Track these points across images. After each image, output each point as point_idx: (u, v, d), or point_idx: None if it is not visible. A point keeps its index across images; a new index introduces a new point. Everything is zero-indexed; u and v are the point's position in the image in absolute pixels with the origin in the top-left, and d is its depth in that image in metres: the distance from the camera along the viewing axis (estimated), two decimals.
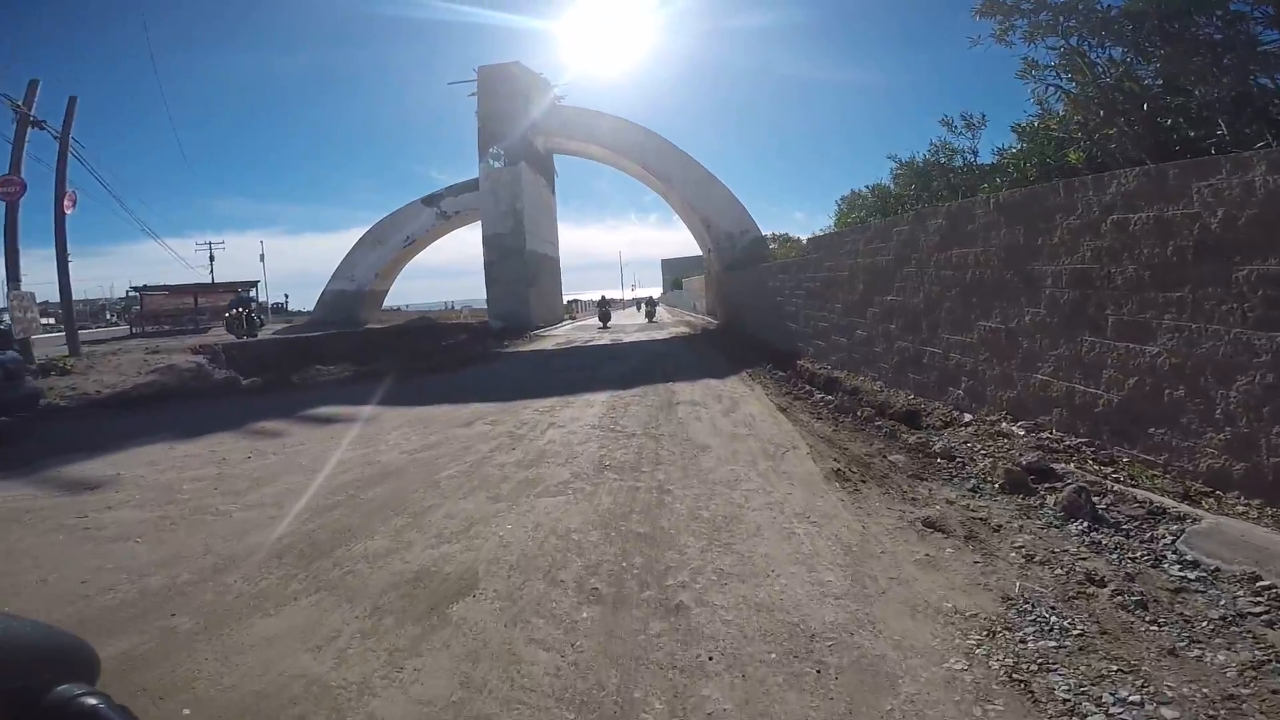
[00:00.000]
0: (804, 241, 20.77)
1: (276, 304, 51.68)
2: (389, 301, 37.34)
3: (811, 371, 9.59)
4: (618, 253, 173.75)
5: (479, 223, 25.61)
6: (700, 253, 30.98)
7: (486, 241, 24.83)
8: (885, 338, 7.65)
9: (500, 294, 24.44)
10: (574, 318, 35.00)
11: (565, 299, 63.31)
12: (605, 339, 17.40)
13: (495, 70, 25.97)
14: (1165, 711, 1.73)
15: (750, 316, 16.68)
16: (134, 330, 29.36)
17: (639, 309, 32.25)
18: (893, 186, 17.23)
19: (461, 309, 25.72)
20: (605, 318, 25.76)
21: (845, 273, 8.98)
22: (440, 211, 29.51)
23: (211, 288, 34.01)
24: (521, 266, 24.28)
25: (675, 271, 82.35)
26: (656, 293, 75.94)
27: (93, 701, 0.46)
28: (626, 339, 17.97)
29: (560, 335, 20.33)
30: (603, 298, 28.22)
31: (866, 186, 20.05)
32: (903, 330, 7.18)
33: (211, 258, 55.14)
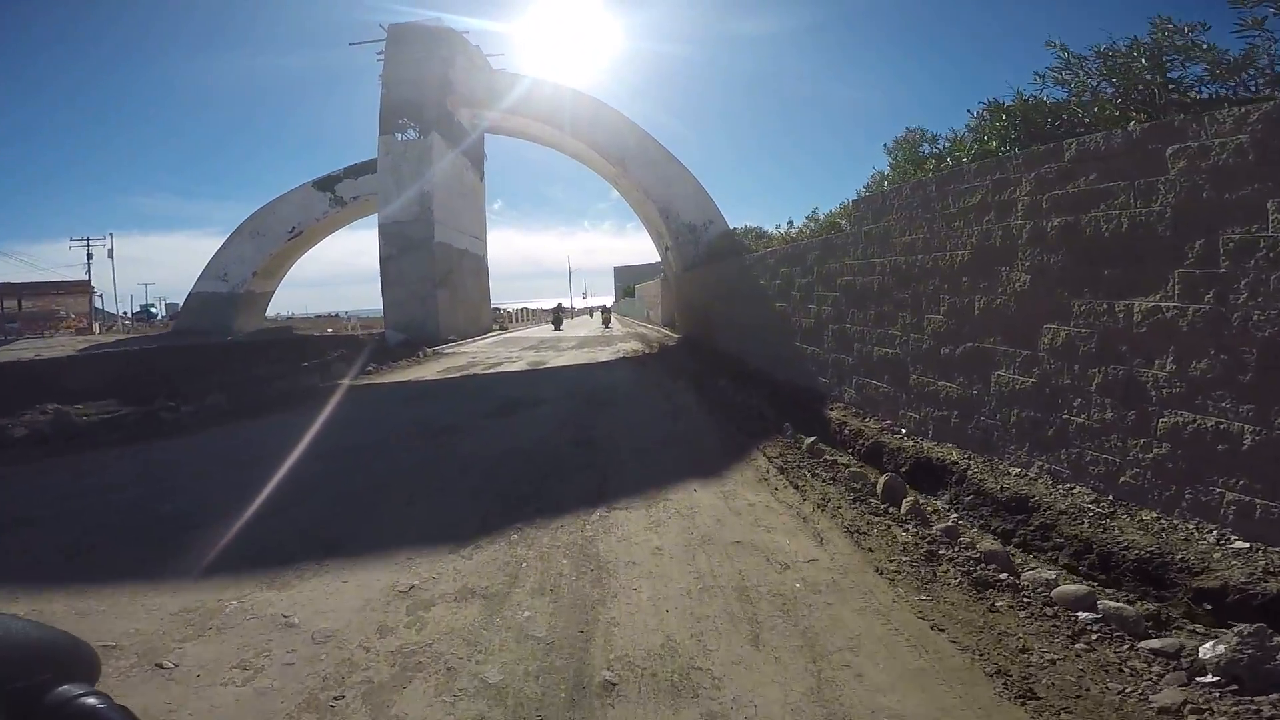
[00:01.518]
0: (777, 235, 16.29)
1: (144, 310, 44.38)
2: (290, 309, 31.12)
3: (875, 439, 4.97)
4: (566, 258, 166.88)
5: None
6: (656, 258, 26.62)
7: (383, 231, 19.42)
8: (1122, 395, 3.02)
9: (400, 298, 19.05)
10: (504, 328, 29.64)
11: (509, 307, 57.60)
12: (522, 364, 12.40)
13: (408, 29, 20.77)
14: None
15: (725, 329, 12.04)
16: None
17: (591, 316, 33.99)
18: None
19: (350, 319, 20.23)
20: (558, 323, 28.30)
21: (964, 253, 4.35)
22: (335, 197, 23.85)
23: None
24: (427, 263, 18.98)
25: (629, 279, 78.09)
26: (610, 301, 71.84)
27: (92, 701, 0.46)
28: (558, 360, 13.04)
29: (469, 354, 15.20)
30: (558, 305, 31.29)
31: (986, 101, 15.91)
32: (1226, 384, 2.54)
33: (89, 256, 47.05)
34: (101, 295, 40.83)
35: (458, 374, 10.74)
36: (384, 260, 19.28)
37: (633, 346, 15.78)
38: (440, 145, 20.41)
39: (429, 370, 11.54)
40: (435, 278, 18.98)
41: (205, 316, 24.88)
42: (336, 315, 43.55)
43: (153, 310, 52.54)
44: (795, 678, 1.93)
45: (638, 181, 20.52)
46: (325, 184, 23.95)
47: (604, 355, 13.89)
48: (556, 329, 26.82)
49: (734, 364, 10.30)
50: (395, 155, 19.89)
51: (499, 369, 11.37)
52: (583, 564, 2.85)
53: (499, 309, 37.21)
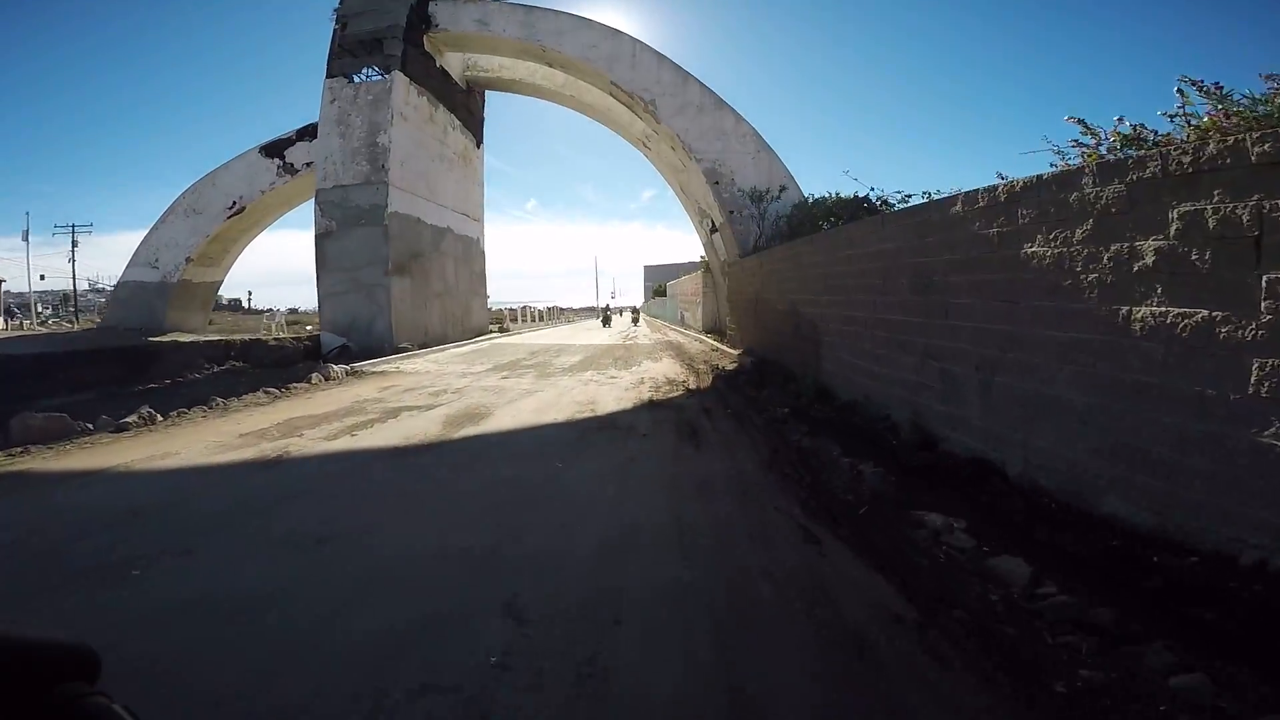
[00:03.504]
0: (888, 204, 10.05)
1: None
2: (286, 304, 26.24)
3: None
4: (593, 257, 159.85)
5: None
6: (687, 257, 20.94)
7: (320, 198, 14.07)
8: None
9: (337, 288, 13.64)
10: (504, 330, 23.97)
11: (536, 305, 51.81)
12: (449, 408, 6.71)
13: None
14: None
15: (856, 350, 6.04)
16: None
17: (620, 316, 33.55)
18: None
19: (276, 316, 15.19)
20: (607, 321, 30.92)
21: None
22: (285, 164, 18.63)
23: None
24: (378, 241, 13.51)
25: (659, 278, 72.52)
26: (638, 302, 66.61)
27: (94, 701, 0.45)
28: (521, 413, 7.32)
29: (407, 376, 9.63)
30: (606, 306, 36.36)
31: None
32: None
33: (74, 244, 43.48)
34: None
35: (247, 454, 4.84)
36: (320, 237, 13.89)
37: (666, 370, 9.91)
38: (407, 90, 14.96)
39: (246, 426, 5.78)
40: (389, 261, 13.48)
41: (134, 310, 19.99)
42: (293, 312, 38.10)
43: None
44: None
45: (676, 133, 14.72)
46: (273, 149, 18.77)
47: (618, 389, 8.07)
48: (605, 326, 29.95)
49: (872, 420, 4.44)
50: (344, 102, 14.52)
51: (369, 434, 5.54)
52: None
53: (512, 308, 31.74)
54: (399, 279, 13.86)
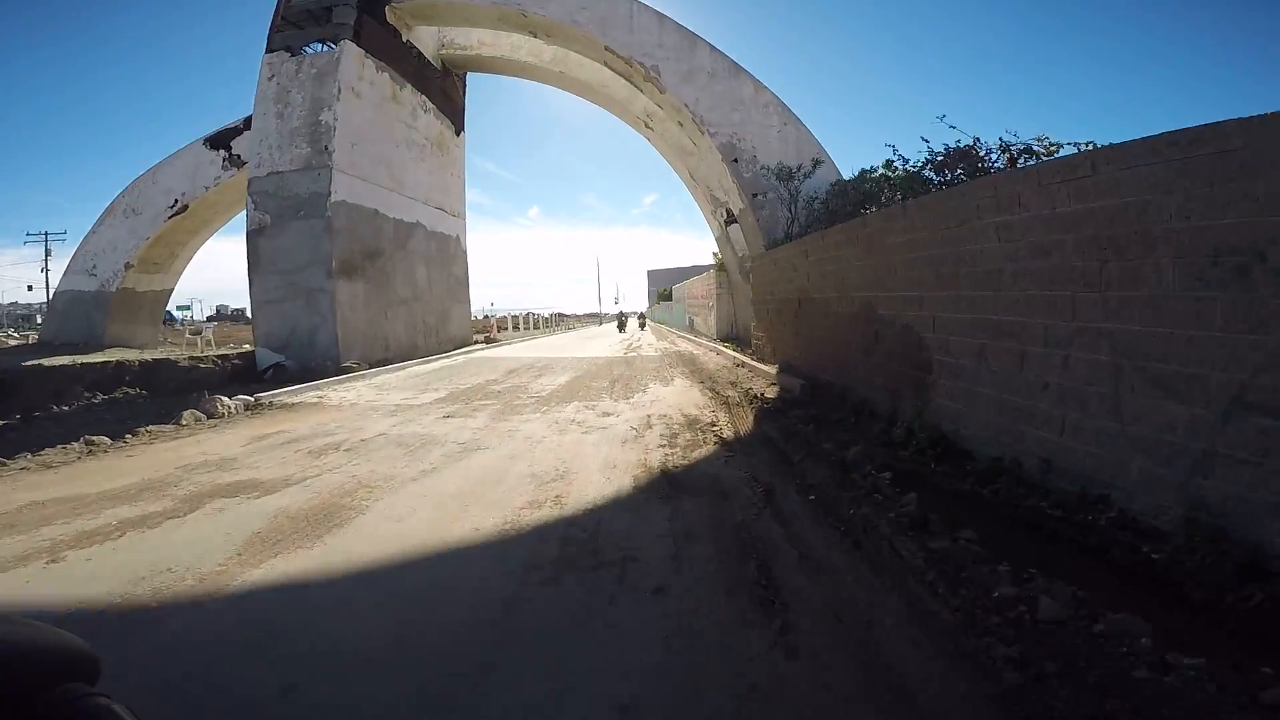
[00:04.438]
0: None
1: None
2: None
3: None
4: (596, 262, 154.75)
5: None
6: (692, 261, 18.50)
7: (253, 189, 11.61)
8: None
9: (272, 294, 11.18)
10: (490, 341, 21.28)
11: (545, 312, 48.64)
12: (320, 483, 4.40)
13: None
14: None
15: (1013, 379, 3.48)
16: None
17: (622, 328, 32.20)
18: None
19: (203, 331, 12.74)
20: (622, 326, 30.80)
21: None
22: (231, 156, 16.25)
23: None
24: (319, 236, 11.04)
25: (662, 283, 70.09)
26: (642, 307, 64.36)
27: (95, 702, 0.45)
28: (480, 458, 4.86)
29: (297, 431, 7.12)
30: (621, 311, 34.99)
31: None
32: None
33: (48, 253, 41.31)
34: None
35: None
36: (252, 234, 11.43)
37: (683, 404, 7.35)
38: (361, 64, 12.53)
39: None
40: (332, 259, 11.01)
41: (72, 322, 17.62)
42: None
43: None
44: None
45: (684, 103, 12.25)
46: (219, 140, 16.39)
47: (611, 441, 5.52)
48: (621, 330, 29.95)
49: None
50: (284, 78, 12.09)
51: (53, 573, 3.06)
52: None
53: (513, 314, 29.10)
54: (347, 282, 11.37)
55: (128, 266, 17.16)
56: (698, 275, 24.11)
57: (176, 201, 16.55)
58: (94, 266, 17.61)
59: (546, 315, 44.58)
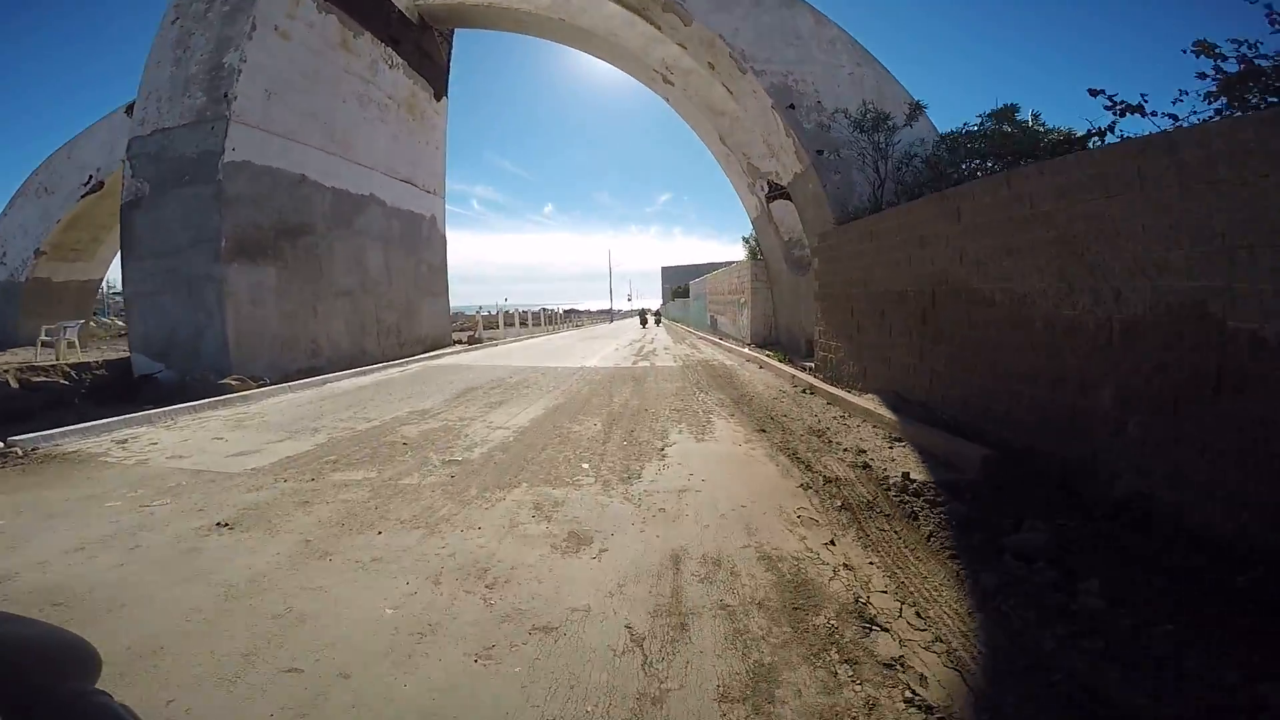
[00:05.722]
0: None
1: None
2: None
3: None
4: (608, 256, 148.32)
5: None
6: (706, 259, 15.36)
7: (131, 153, 8.58)
8: None
9: (147, 283, 8.18)
10: (475, 339, 17.82)
11: (559, 308, 44.64)
12: None
13: None
14: None
15: None
16: None
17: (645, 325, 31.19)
18: None
19: (65, 334, 10.31)
20: (644, 322, 31.28)
21: None
22: None
23: None
24: (208, 208, 7.99)
25: (677, 280, 66.79)
26: (655, 304, 61.46)
27: (95, 700, 0.44)
28: None
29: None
30: (644, 309, 35.61)
31: None
32: None
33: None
34: None
35: None
36: (127, 208, 8.41)
37: (757, 515, 4.13)
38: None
39: None
40: (222, 237, 7.95)
41: None
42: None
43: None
44: None
45: (719, 35, 9.04)
46: None
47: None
48: (643, 326, 30.23)
49: None
50: (190, 19, 9.03)
51: None
52: None
53: (511, 311, 25.88)
54: (248, 267, 8.28)
55: (38, 253, 14.36)
56: (721, 269, 20.77)
57: (90, 178, 13.68)
58: (3, 254, 14.86)
59: (559, 311, 41.96)
